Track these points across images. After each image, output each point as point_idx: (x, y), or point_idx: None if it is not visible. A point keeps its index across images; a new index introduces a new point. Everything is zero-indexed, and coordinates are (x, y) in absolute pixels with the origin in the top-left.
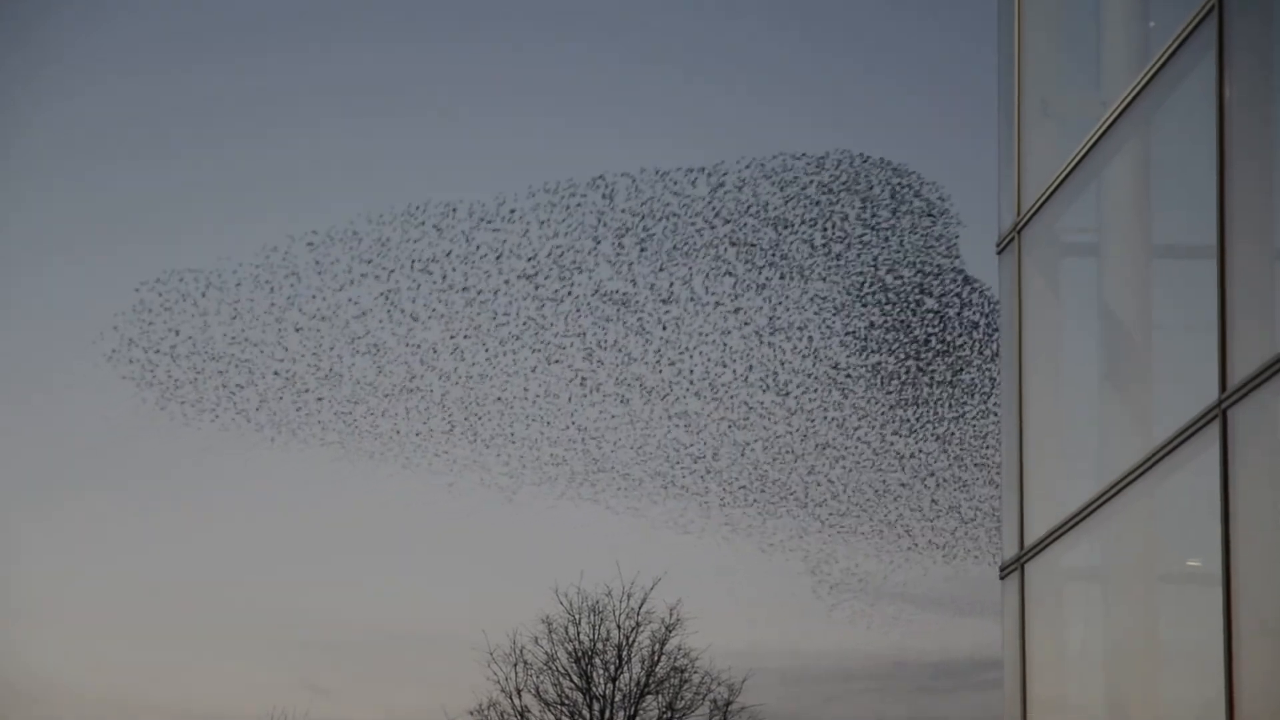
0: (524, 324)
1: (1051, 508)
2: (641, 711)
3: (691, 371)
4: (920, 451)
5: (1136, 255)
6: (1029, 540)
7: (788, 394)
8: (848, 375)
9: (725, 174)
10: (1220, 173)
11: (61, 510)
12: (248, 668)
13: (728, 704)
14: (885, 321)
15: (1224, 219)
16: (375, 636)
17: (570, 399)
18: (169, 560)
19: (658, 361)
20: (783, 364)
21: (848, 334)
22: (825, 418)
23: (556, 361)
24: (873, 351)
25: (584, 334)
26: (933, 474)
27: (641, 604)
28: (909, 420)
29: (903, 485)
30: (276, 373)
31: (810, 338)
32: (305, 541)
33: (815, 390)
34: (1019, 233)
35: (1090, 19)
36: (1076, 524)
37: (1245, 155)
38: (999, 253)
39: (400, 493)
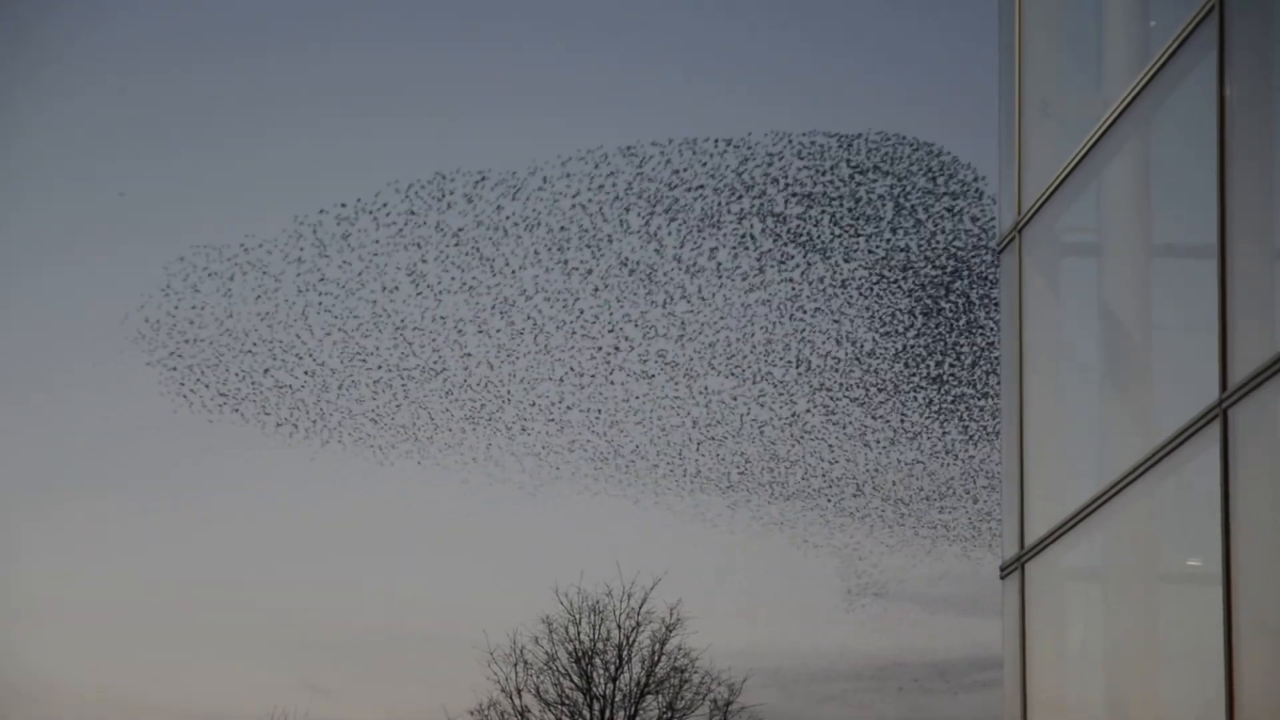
0: (546, 299)
1: (1052, 507)
2: (642, 711)
3: (713, 345)
4: (943, 434)
5: (1137, 255)
6: (1029, 540)
7: (809, 368)
8: (871, 354)
9: (752, 148)
10: (1221, 172)
11: (61, 510)
12: (248, 667)
13: (728, 704)
14: (911, 306)
15: (1224, 219)
16: (375, 636)
17: (595, 376)
18: (169, 560)
19: (680, 336)
20: (805, 341)
21: (873, 316)
22: (849, 397)
23: (586, 336)
24: (899, 334)
25: (609, 310)
26: (949, 451)
27: (642, 604)
28: (933, 400)
29: (918, 463)
30: (298, 355)
31: (835, 318)
32: (306, 541)
33: (838, 370)
34: (1019, 232)
35: (1090, 19)
36: (1077, 524)
37: (1245, 155)
38: (999, 252)
39: (400, 492)
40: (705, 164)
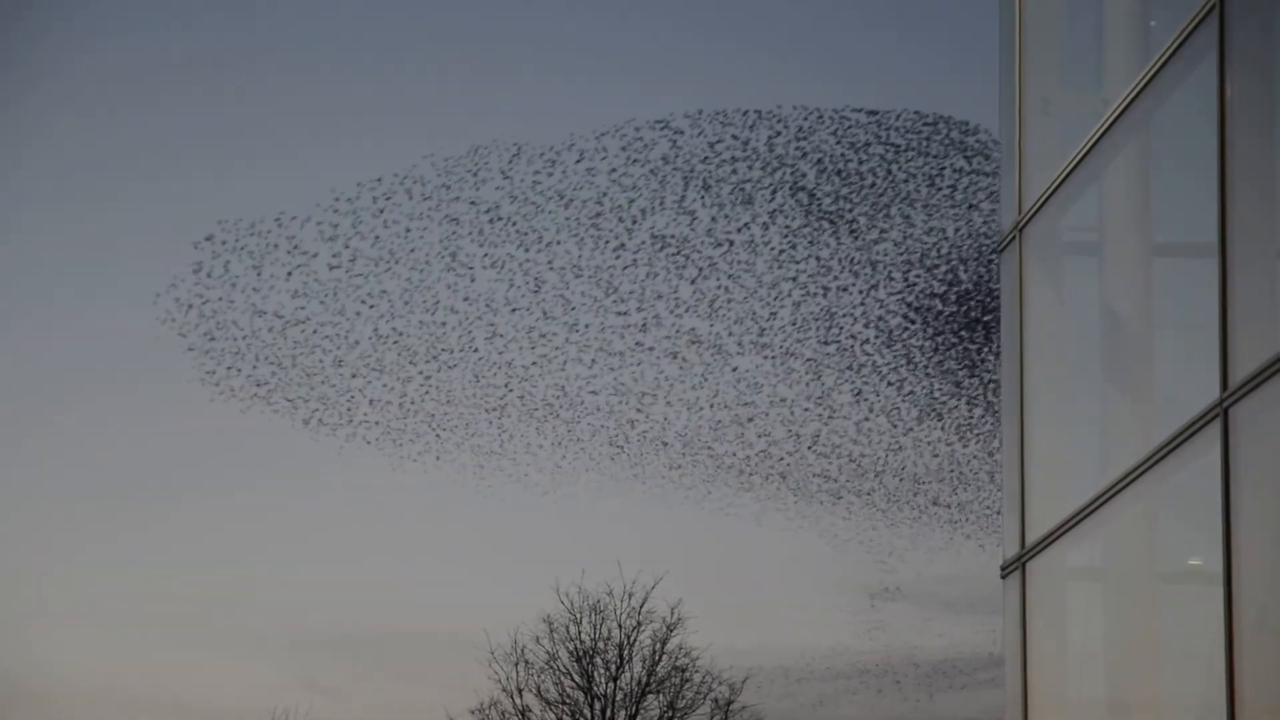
0: (576, 275)
1: (1053, 506)
2: (643, 711)
3: (740, 322)
4: (969, 416)
5: (1137, 254)
6: (1030, 539)
7: (836, 342)
8: (906, 335)
9: (784, 120)
10: (1221, 172)
11: (66, 509)
12: (250, 666)
13: (729, 703)
14: (945, 290)
15: (1225, 217)
16: (377, 635)
17: (623, 354)
18: (173, 558)
19: (710, 314)
20: (833, 320)
21: (903, 297)
22: (882, 379)
23: (619, 314)
24: (931, 319)
25: (640, 287)
26: (974, 430)
27: (643, 603)
28: (962, 382)
29: (944, 444)
30: (329, 338)
31: (863, 297)
32: (308, 540)
33: (866, 349)
34: (1020, 231)
35: (1090, 19)
36: (1078, 523)
37: (1245, 155)
38: (1000, 251)
39: (403, 491)
40: (736, 136)
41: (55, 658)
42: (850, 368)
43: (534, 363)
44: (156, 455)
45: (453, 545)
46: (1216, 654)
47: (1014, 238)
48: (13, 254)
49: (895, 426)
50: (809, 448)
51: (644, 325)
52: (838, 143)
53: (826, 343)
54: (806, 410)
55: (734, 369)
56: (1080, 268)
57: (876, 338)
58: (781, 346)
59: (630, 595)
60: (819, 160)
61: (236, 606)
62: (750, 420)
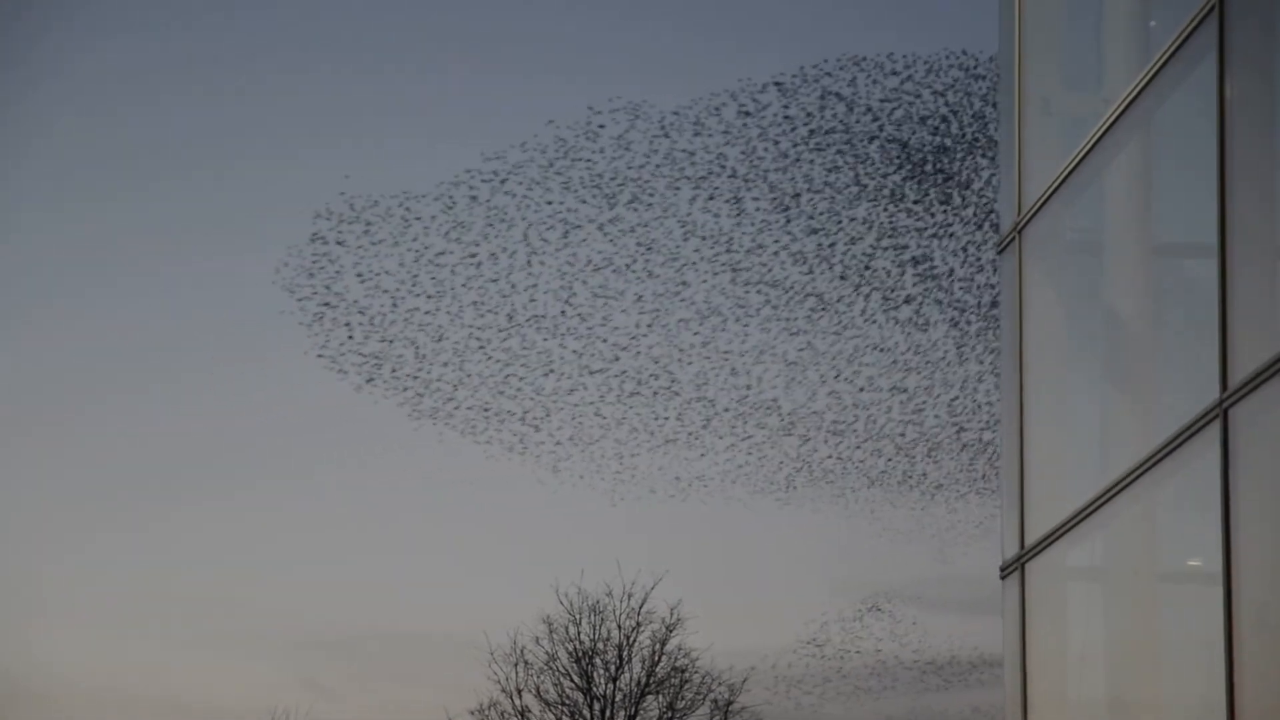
0: (684, 237)
1: (1052, 507)
2: (642, 711)
3: (843, 268)
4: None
5: (1137, 254)
6: (1029, 540)
7: (934, 294)
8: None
9: (890, 69)
10: (1221, 172)
11: (66, 509)
12: (250, 666)
13: (728, 704)
14: None
15: (1225, 218)
16: (377, 636)
17: (725, 317)
18: (173, 558)
19: (833, 272)
20: (936, 281)
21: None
22: (977, 333)
23: (729, 268)
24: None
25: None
26: None
27: (642, 604)
28: None
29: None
30: (431, 311)
31: (963, 255)
32: (308, 540)
33: (968, 301)
34: (1020, 232)
35: (1090, 19)
36: (1077, 523)
37: (1245, 155)
38: (999, 252)
39: (401, 490)
40: (838, 92)
41: (55, 658)
42: (947, 320)
43: (634, 334)
44: (156, 455)
45: (451, 545)
46: (1216, 654)
47: (1014, 238)
48: (13, 254)
49: (984, 380)
50: (899, 409)
51: (747, 285)
52: (936, 94)
53: (926, 295)
54: (906, 366)
55: (836, 321)
56: (1080, 268)
57: (973, 292)
58: (879, 296)
59: (630, 595)
60: (914, 115)
61: (236, 606)
62: (854, 374)
